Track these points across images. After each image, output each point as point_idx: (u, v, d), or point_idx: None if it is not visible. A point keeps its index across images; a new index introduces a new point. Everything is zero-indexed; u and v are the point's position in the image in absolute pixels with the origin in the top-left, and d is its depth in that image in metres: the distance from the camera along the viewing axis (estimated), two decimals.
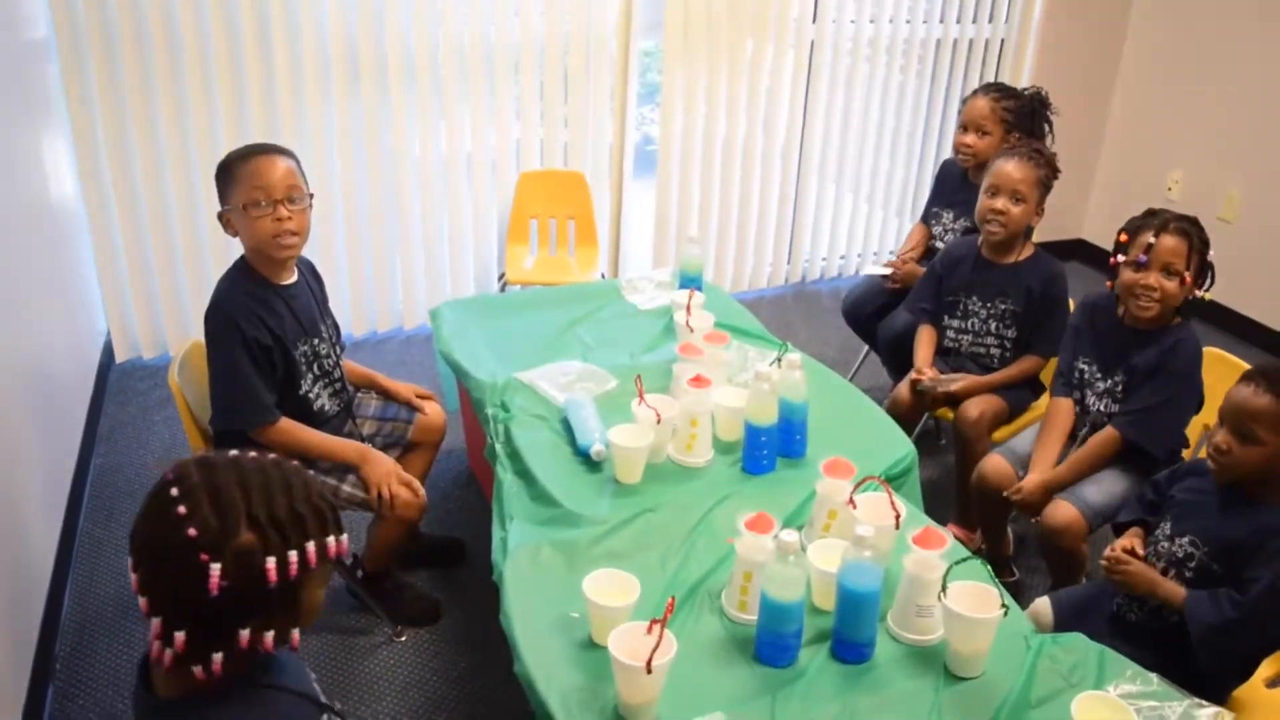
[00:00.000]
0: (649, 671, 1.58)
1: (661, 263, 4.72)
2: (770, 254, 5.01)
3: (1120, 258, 2.54)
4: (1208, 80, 4.85)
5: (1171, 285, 2.47)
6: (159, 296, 3.98)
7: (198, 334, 2.42)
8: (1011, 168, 2.93)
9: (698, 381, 2.34)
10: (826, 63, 4.73)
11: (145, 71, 3.67)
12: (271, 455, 1.33)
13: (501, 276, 4.31)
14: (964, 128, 3.43)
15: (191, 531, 1.20)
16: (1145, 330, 2.57)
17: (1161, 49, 5.09)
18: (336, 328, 2.65)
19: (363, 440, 2.63)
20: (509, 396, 2.58)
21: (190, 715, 1.27)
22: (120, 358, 4.03)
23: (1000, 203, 2.94)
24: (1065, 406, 2.72)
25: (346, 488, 2.47)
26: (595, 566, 1.89)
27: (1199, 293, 2.53)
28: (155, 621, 1.23)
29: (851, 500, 1.98)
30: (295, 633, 1.30)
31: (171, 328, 4.03)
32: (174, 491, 1.23)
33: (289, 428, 2.38)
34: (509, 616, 1.86)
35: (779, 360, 2.42)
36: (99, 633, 2.67)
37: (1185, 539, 2.09)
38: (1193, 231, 2.48)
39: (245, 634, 1.23)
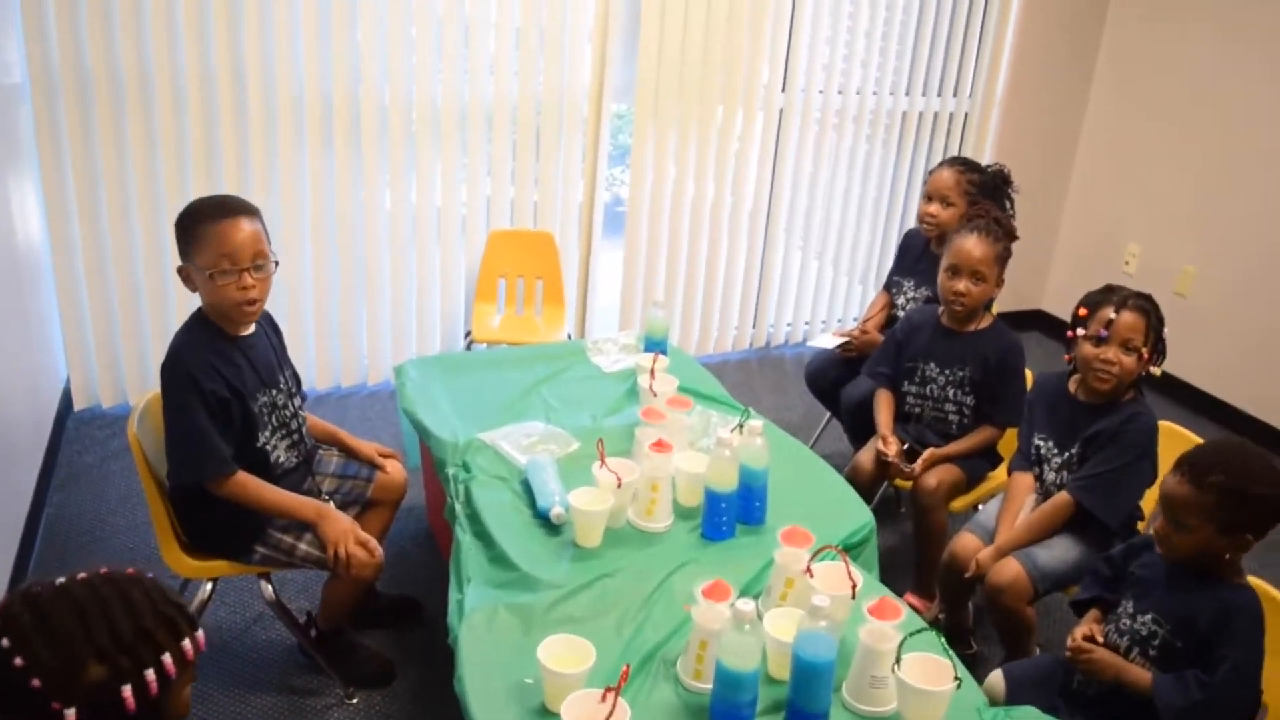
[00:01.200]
0: None
1: (628, 323, 4.75)
2: (736, 318, 5.06)
3: (1079, 331, 2.59)
4: (1165, 157, 4.98)
5: (1129, 360, 2.52)
6: (120, 345, 3.95)
7: (158, 385, 2.40)
8: (971, 245, 2.97)
9: (659, 446, 2.35)
10: (795, 130, 4.82)
11: (118, 118, 3.68)
12: (103, 570, 1.26)
13: (468, 335, 4.32)
14: (929, 198, 3.50)
15: (36, 682, 1.14)
16: (1099, 404, 2.61)
17: (1120, 125, 5.23)
18: (296, 379, 2.64)
19: (321, 496, 2.61)
20: (470, 456, 2.57)
21: None
22: (79, 405, 3.98)
23: (962, 285, 2.99)
24: (1024, 482, 2.75)
25: (303, 545, 2.44)
26: (551, 631, 1.88)
27: (1152, 368, 2.58)
28: None
29: (809, 569, 1.99)
30: None
31: (132, 377, 4.00)
32: (5, 643, 1.15)
33: (246, 481, 2.36)
34: (463, 682, 1.85)
35: (741, 426, 2.44)
36: None
37: (1148, 616, 2.10)
38: (1150, 309, 2.54)
39: None
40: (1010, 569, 2.52)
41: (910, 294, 3.62)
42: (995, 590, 2.52)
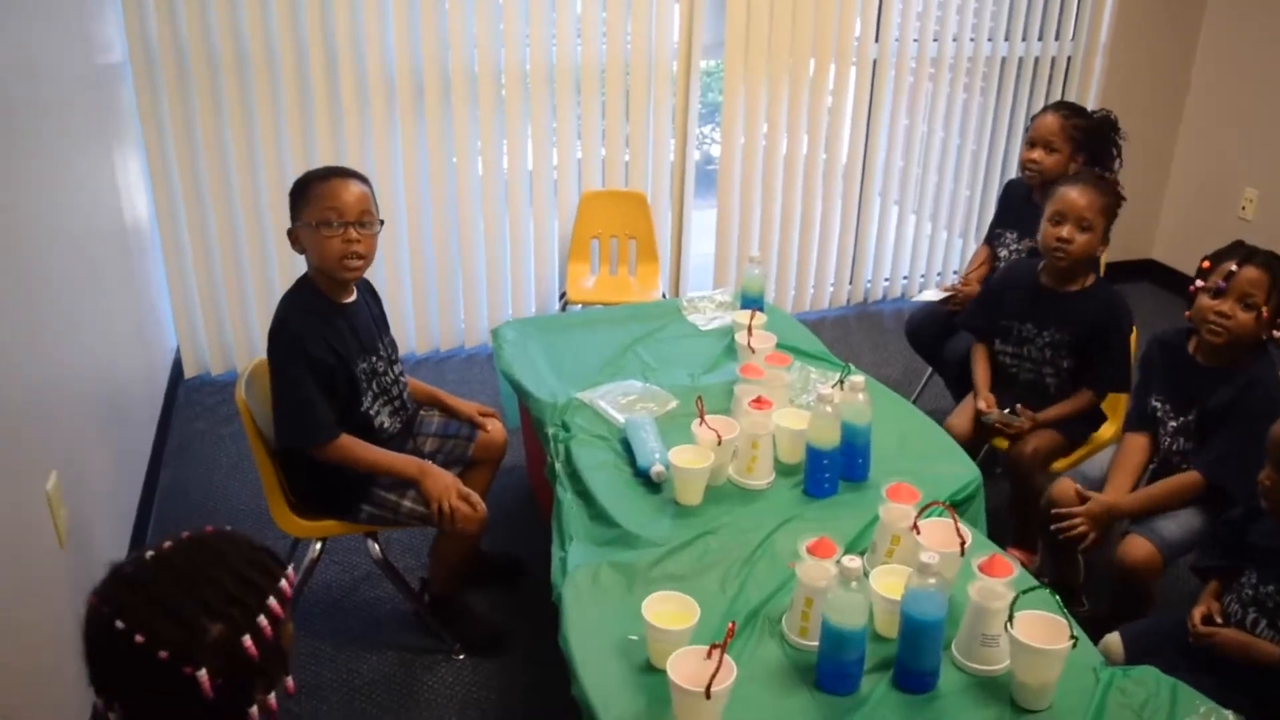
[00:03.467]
0: (708, 697, 1.56)
1: (723, 283, 4.71)
2: (832, 275, 4.98)
3: (1199, 283, 2.48)
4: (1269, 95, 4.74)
5: (1246, 317, 2.40)
6: (227, 314, 4.06)
7: (264, 352, 2.46)
8: (1077, 194, 2.83)
9: (759, 403, 2.32)
10: (889, 82, 4.69)
11: (216, 95, 3.76)
12: (184, 535, 1.28)
13: (563, 296, 4.33)
14: (1031, 144, 3.37)
15: (163, 654, 1.16)
16: (1218, 367, 2.50)
17: (1234, 65, 4.98)
18: (394, 346, 2.67)
19: (423, 457, 2.65)
20: (569, 416, 2.58)
21: None
22: (189, 374, 4.11)
23: (1066, 230, 2.83)
24: (1139, 443, 2.66)
25: (407, 503, 2.48)
26: (654, 588, 1.87)
27: (1276, 332, 2.45)
28: None
29: (916, 526, 1.95)
30: (288, 679, 1.29)
31: (239, 345, 4.11)
32: (120, 624, 1.17)
33: (349, 444, 2.40)
34: (567, 638, 1.86)
35: (841, 382, 2.40)
36: None
37: (1272, 586, 2.01)
38: (1278, 267, 2.41)
39: (254, 711, 1.22)
40: (1143, 549, 2.42)
41: (1013, 245, 3.51)
42: (1130, 570, 2.43)
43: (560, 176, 4.34)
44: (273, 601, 1.25)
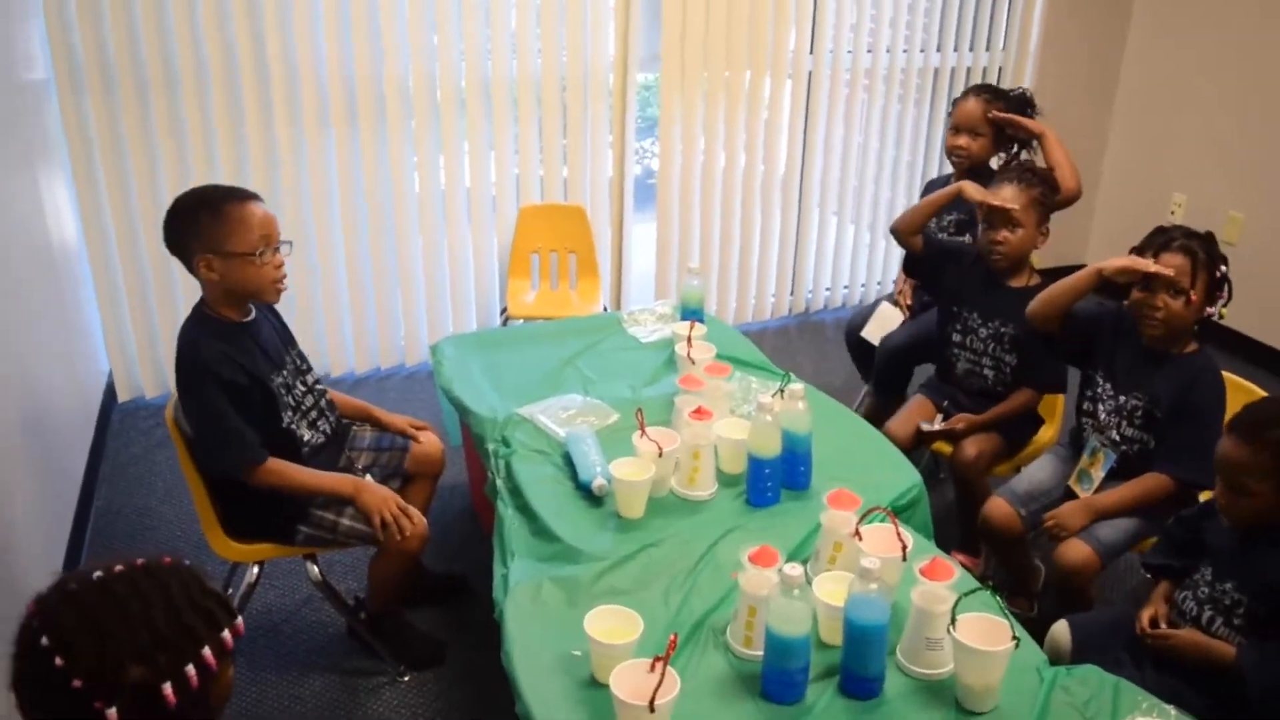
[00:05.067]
0: (652, 710, 1.55)
1: (664, 295, 4.71)
2: (773, 285, 5.00)
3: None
4: (1208, 102, 4.85)
5: (1176, 305, 2.42)
6: (160, 335, 3.97)
7: None
8: (1006, 194, 2.85)
9: (699, 414, 2.32)
10: (824, 93, 4.73)
11: (144, 110, 3.68)
12: (140, 561, 1.24)
13: (504, 311, 4.30)
14: (956, 130, 3.37)
15: (77, 683, 1.12)
16: (1163, 354, 2.52)
17: (1160, 72, 5.09)
18: (303, 357, 2.61)
19: (357, 471, 2.61)
20: (510, 431, 2.55)
21: None
22: (123, 397, 4.01)
23: (999, 234, 2.86)
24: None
25: (346, 520, 2.44)
26: (597, 603, 1.86)
27: (1211, 310, 2.46)
28: None
29: (858, 532, 1.95)
30: None
31: (173, 366, 4.01)
32: (44, 641, 1.14)
33: (278, 467, 2.35)
34: (510, 656, 1.83)
35: (781, 391, 2.40)
36: None
37: (1228, 584, 2.03)
38: (1199, 248, 2.42)
39: None
40: (1080, 552, 2.44)
41: (938, 227, 3.48)
42: (1069, 573, 2.44)
43: (498, 192, 4.31)
44: (207, 652, 1.20)
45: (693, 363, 2.70)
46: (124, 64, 3.59)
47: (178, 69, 3.66)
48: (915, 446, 2.99)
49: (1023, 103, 3.38)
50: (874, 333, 3.55)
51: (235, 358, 2.33)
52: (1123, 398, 2.58)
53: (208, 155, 3.80)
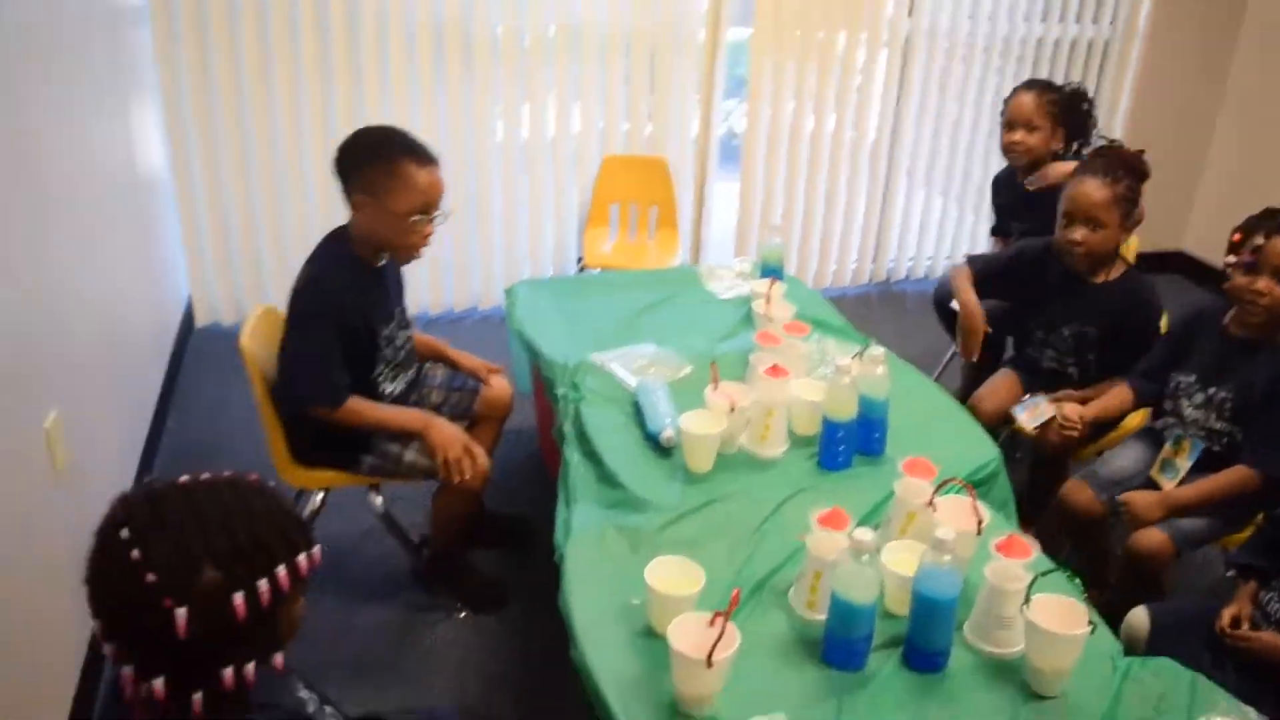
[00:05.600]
0: (709, 665, 1.51)
1: (743, 254, 4.64)
2: (855, 252, 4.90)
3: (1230, 259, 2.38)
4: None
5: None
6: (240, 264, 4.02)
7: (275, 300, 2.40)
8: (1088, 189, 2.70)
9: (775, 371, 2.26)
10: (921, 61, 4.60)
11: (234, 42, 3.71)
12: (227, 474, 1.23)
13: (580, 260, 4.26)
14: (1010, 125, 3.29)
15: (151, 577, 1.11)
16: (1255, 341, 2.41)
17: (1278, 56, 4.86)
18: (405, 312, 2.62)
19: (430, 408, 2.61)
20: (580, 378, 2.53)
21: None
22: (200, 322, 4.07)
23: (1078, 234, 2.71)
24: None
25: (410, 454, 2.44)
26: (660, 552, 1.82)
27: None
28: (126, 669, 1.15)
29: (932, 502, 1.89)
30: (278, 656, 1.22)
31: (251, 294, 4.07)
32: (124, 534, 1.13)
33: (355, 405, 2.35)
34: (568, 601, 1.81)
35: (861, 354, 2.33)
36: None
37: None
38: None
39: (228, 672, 1.16)
40: (1154, 538, 2.34)
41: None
42: (1140, 559, 2.36)
43: (581, 143, 4.27)
44: (281, 571, 1.18)
45: (770, 320, 2.64)
46: None
47: (269, 4, 3.66)
48: (1000, 424, 2.90)
49: (1076, 98, 3.29)
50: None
51: (359, 302, 2.34)
52: (1212, 389, 2.47)
53: (293, 91, 3.82)
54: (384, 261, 2.46)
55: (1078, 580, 1.73)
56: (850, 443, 2.23)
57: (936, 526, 1.71)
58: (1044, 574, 1.69)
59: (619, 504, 2.08)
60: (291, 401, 2.38)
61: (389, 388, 2.51)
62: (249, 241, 3.99)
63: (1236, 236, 2.38)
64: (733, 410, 2.21)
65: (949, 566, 1.66)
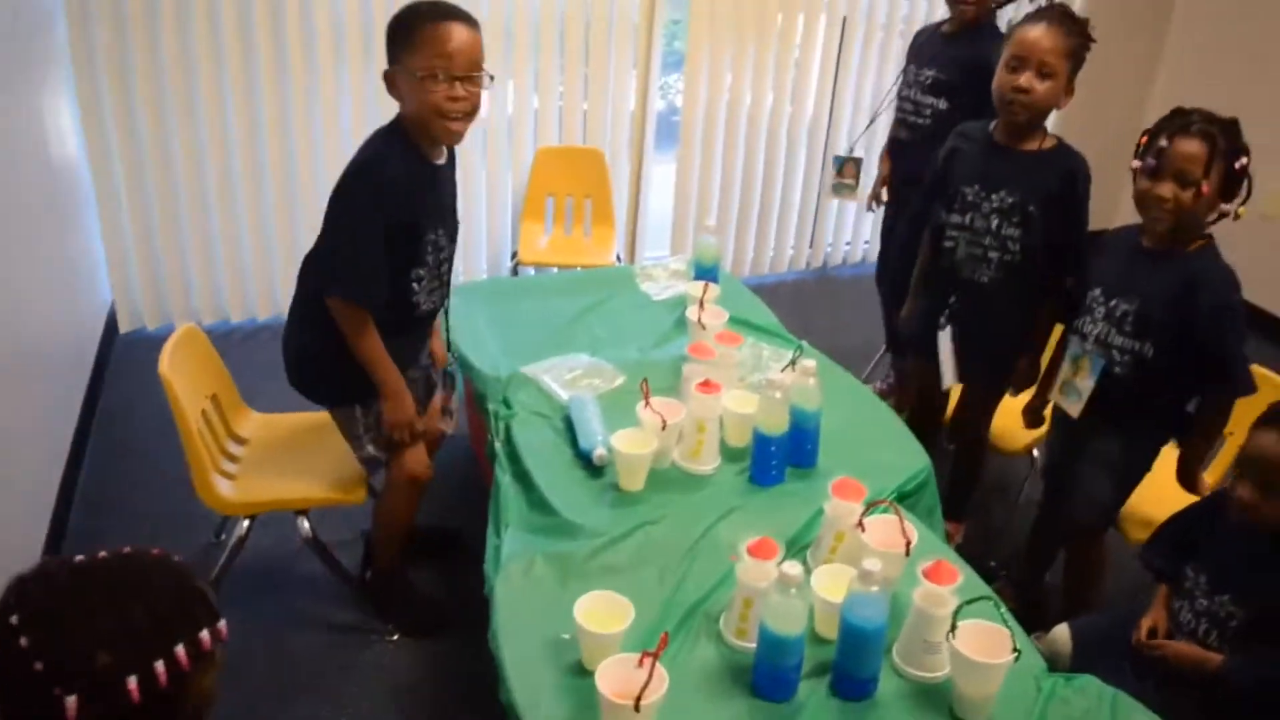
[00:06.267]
0: (637, 710, 1.51)
1: (681, 242, 4.61)
2: (793, 237, 4.89)
3: (1135, 163, 2.23)
4: (1252, 78, 4.66)
5: (1187, 196, 2.13)
6: (164, 265, 3.91)
7: (201, 310, 2.32)
8: (1038, 33, 2.45)
9: (707, 386, 2.24)
10: (859, 37, 4.57)
11: (153, 34, 3.58)
12: (127, 550, 1.19)
13: (514, 256, 4.21)
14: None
15: (39, 665, 1.08)
16: (1160, 251, 2.25)
17: (1205, 46, 4.91)
18: (457, 225, 2.51)
19: (424, 360, 2.57)
20: (512, 392, 2.49)
21: None
22: (124, 328, 3.96)
23: (1024, 78, 2.46)
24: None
25: (370, 449, 2.41)
26: (591, 582, 1.82)
27: (1227, 207, 2.18)
28: None
29: (861, 524, 1.89)
30: None
31: (175, 297, 3.96)
32: (14, 620, 1.10)
33: (367, 325, 2.24)
34: (497, 639, 1.79)
35: (793, 364, 2.32)
36: None
37: (1225, 597, 1.95)
38: (1218, 134, 2.12)
39: None
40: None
41: (913, 79, 3.26)
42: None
43: (516, 127, 4.20)
44: (180, 650, 1.14)
45: (703, 328, 2.62)
46: None
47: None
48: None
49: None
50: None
51: (410, 198, 2.22)
52: (1114, 301, 2.31)
53: (216, 83, 3.70)
54: (444, 159, 2.34)
55: (1002, 607, 1.74)
56: (782, 457, 2.22)
57: (865, 553, 1.71)
58: (970, 601, 1.70)
59: (549, 530, 2.06)
60: (323, 285, 2.25)
61: (422, 300, 2.37)
62: (173, 242, 3.87)
63: (1143, 139, 2.24)
64: (664, 427, 2.19)
65: (876, 594, 1.66)
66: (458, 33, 2.14)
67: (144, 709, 1.12)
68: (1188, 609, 2.02)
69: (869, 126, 4.01)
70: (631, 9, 4.16)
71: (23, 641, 1.08)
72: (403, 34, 2.17)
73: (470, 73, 2.16)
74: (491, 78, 2.22)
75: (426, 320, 2.48)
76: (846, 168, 3.81)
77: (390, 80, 2.22)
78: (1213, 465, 2.60)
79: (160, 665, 1.12)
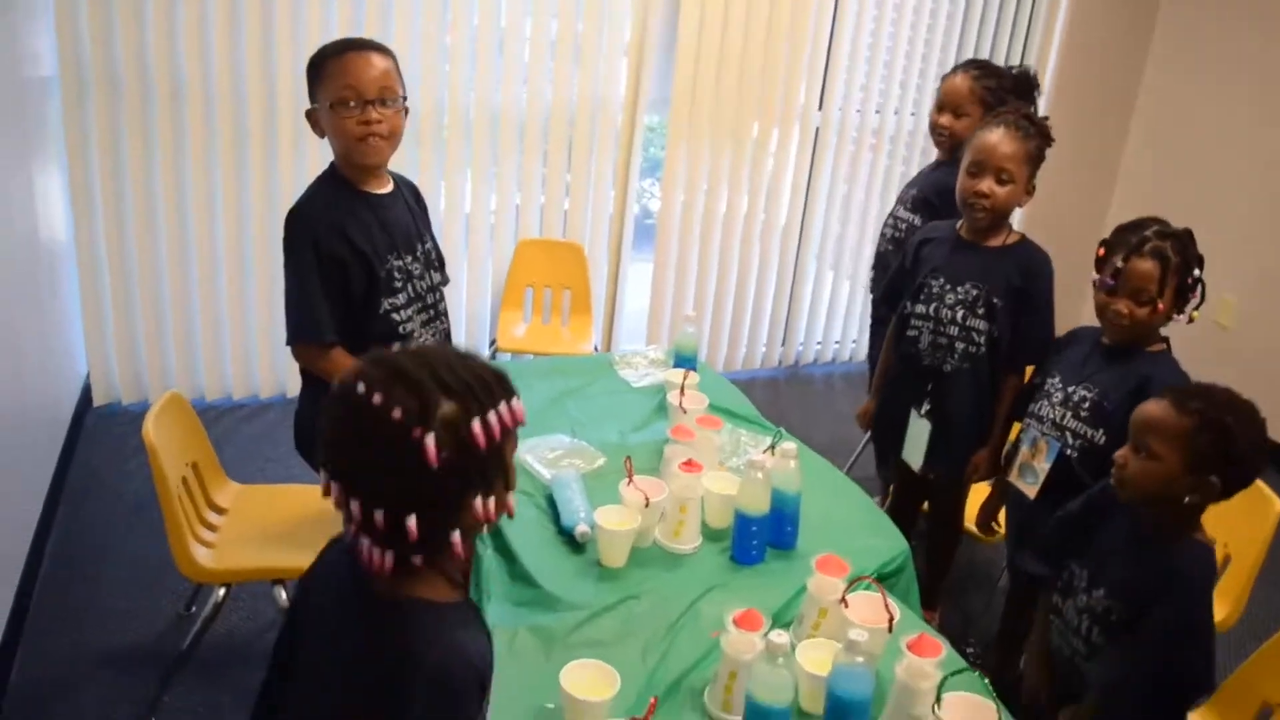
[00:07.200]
0: None
1: (657, 335, 4.69)
2: (765, 335, 4.99)
3: (1095, 277, 2.37)
4: (1207, 184, 4.88)
5: (1143, 313, 2.28)
6: (142, 341, 3.91)
7: (179, 384, 2.34)
8: (997, 140, 2.58)
9: (689, 466, 2.27)
10: (830, 149, 4.75)
11: (146, 116, 3.65)
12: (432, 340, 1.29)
13: (493, 343, 4.26)
14: (940, 108, 3.13)
15: (396, 414, 1.19)
16: (1116, 349, 2.40)
17: (1162, 149, 5.14)
18: (439, 254, 2.52)
19: None
20: None
21: (426, 614, 1.29)
22: (98, 401, 3.94)
23: (985, 184, 2.59)
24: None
25: None
26: (574, 655, 1.80)
27: (1180, 316, 2.32)
28: (378, 514, 1.21)
29: (844, 599, 1.91)
30: (510, 498, 1.31)
31: (153, 372, 3.95)
32: (361, 388, 1.22)
33: (341, 358, 2.24)
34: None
35: (773, 447, 2.36)
36: (52, 705, 2.55)
37: (1100, 592, 2.01)
38: (1171, 251, 2.25)
39: (478, 502, 1.25)
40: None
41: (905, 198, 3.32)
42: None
43: (498, 221, 4.29)
44: (504, 406, 1.27)
45: (684, 412, 2.66)
46: (130, 68, 3.57)
47: (184, 80, 3.64)
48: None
49: (1025, 84, 3.08)
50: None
51: (343, 227, 2.23)
52: (1072, 388, 2.43)
53: (206, 169, 3.77)
54: (387, 189, 2.36)
55: (987, 680, 1.75)
56: (763, 537, 2.24)
57: (849, 625, 1.73)
58: (954, 674, 1.71)
59: (532, 602, 2.06)
60: (288, 340, 2.28)
61: (415, 330, 2.36)
62: (152, 318, 3.89)
63: (1100, 251, 2.37)
64: (647, 505, 2.21)
65: (862, 666, 1.67)
66: (364, 60, 2.21)
67: (486, 459, 1.25)
68: (1072, 606, 2.08)
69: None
70: (614, 113, 4.30)
71: (376, 399, 1.20)
72: (314, 71, 2.25)
73: (382, 97, 2.21)
74: (405, 97, 2.27)
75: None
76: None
77: (312, 119, 2.28)
78: None
79: (493, 416, 1.25)
